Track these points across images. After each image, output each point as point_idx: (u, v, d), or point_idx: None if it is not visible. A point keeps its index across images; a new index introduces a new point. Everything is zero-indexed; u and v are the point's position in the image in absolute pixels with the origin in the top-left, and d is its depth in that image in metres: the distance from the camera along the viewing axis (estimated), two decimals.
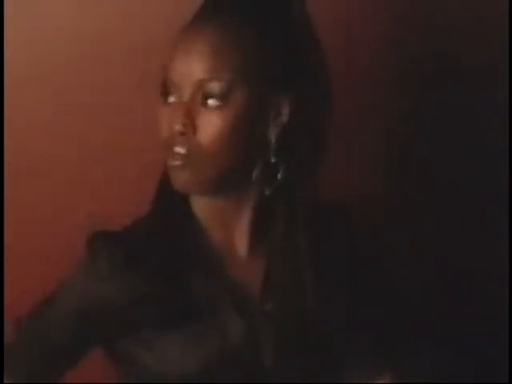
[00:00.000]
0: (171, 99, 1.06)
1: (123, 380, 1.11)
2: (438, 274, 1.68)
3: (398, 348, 1.21)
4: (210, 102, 1.03)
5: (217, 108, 1.03)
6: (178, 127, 1.04)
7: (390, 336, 1.21)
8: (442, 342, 1.61)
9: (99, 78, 1.50)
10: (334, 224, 1.19)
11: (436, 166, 1.65)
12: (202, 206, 1.12)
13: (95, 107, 1.51)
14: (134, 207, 1.15)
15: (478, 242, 1.69)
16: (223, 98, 1.03)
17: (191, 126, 1.04)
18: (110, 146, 1.53)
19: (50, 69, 1.53)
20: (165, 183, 1.11)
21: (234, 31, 1.05)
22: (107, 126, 1.50)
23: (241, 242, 1.12)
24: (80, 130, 1.54)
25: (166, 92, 1.07)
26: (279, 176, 1.08)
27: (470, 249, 1.68)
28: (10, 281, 1.48)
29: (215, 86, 1.03)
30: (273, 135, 1.07)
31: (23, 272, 1.54)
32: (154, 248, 1.08)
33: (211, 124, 1.03)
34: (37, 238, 1.57)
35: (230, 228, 1.12)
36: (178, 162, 1.05)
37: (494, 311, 1.65)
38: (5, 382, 1.07)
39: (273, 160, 1.07)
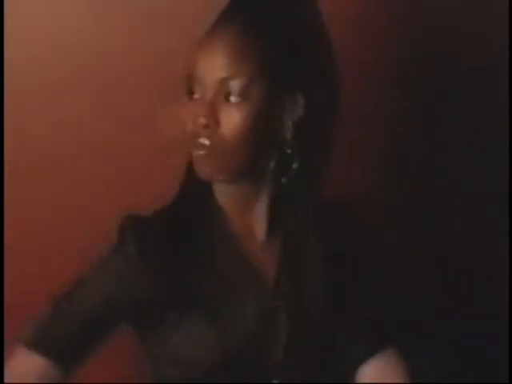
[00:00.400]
0: (196, 96, 1.15)
1: (155, 364, 1.19)
2: (438, 273, 1.69)
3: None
4: (232, 98, 1.12)
5: (237, 104, 1.12)
6: (202, 120, 1.12)
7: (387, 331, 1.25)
8: (442, 341, 1.62)
9: (126, 79, 1.54)
10: (336, 220, 1.25)
11: (435, 166, 1.67)
12: (223, 194, 1.20)
13: (120, 108, 1.55)
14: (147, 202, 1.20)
15: (478, 242, 1.70)
16: (243, 94, 1.12)
17: (214, 119, 1.12)
18: (122, 145, 1.57)
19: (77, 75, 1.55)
20: (190, 173, 1.19)
21: (252, 34, 1.13)
22: (123, 126, 1.53)
23: (259, 228, 1.20)
24: (95, 130, 1.56)
25: (190, 90, 1.15)
26: (294, 166, 1.16)
27: (469, 249, 1.70)
28: (10, 281, 1.49)
29: (236, 84, 1.11)
30: (288, 129, 1.15)
31: (24, 272, 1.56)
32: (179, 234, 1.16)
33: (232, 118, 1.12)
34: (42, 237, 1.59)
35: (250, 214, 1.20)
36: (202, 152, 1.13)
37: (494, 311, 1.66)
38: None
39: (288, 151, 1.15)
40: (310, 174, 1.17)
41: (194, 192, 1.20)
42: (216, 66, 1.12)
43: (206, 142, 1.12)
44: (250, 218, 1.20)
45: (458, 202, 1.67)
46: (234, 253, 1.18)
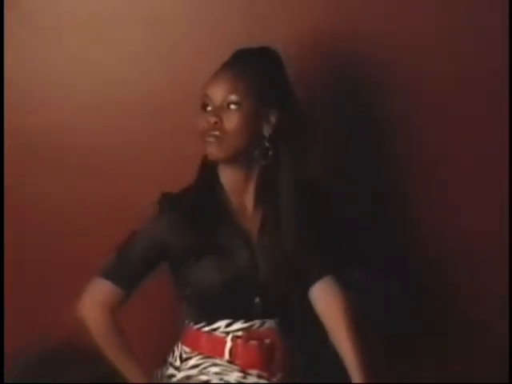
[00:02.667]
0: (208, 108, 1.77)
1: (179, 287, 1.81)
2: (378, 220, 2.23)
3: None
4: (231, 106, 1.75)
5: (234, 110, 1.74)
6: (213, 120, 1.74)
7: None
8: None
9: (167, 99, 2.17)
10: (305, 190, 1.86)
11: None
12: (225, 177, 1.82)
13: (165, 116, 2.18)
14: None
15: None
16: (238, 104, 1.74)
17: (220, 120, 1.74)
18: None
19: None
20: (204, 162, 1.82)
21: (242, 74, 1.76)
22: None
23: (249, 203, 1.82)
24: (144, 133, 2.19)
25: (204, 105, 1.78)
26: (270, 153, 1.78)
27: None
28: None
29: (233, 98, 1.74)
30: (266, 130, 1.78)
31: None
32: (197, 206, 1.78)
33: (232, 119, 1.75)
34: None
35: (243, 194, 1.82)
36: (212, 140, 1.75)
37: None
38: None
39: (266, 144, 1.78)
40: (281, 161, 1.80)
41: (206, 177, 1.83)
42: (221, 90, 1.75)
43: (216, 133, 1.74)
44: (243, 196, 1.82)
45: None
46: (232, 220, 1.81)
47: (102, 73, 2.17)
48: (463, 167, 2.22)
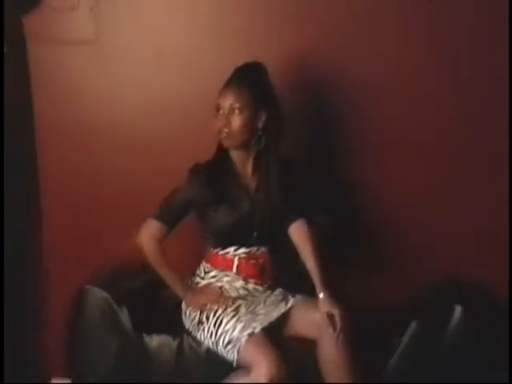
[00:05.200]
0: (220, 112, 2.60)
1: (204, 228, 2.70)
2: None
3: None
4: (236, 111, 2.57)
5: (238, 114, 2.58)
6: (223, 121, 2.58)
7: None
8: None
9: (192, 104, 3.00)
10: (285, 162, 2.70)
11: None
12: (234, 156, 2.67)
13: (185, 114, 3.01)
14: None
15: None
16: (240, 110, 2.57)
17: (229, 121, 2.58)
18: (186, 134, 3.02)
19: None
20: (219, 146, 2.66)
21: (243, 86, 2.58)
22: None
23: (249, 171, 2.67)
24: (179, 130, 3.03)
25: (218, 109, 2.60)
26: (262, 142, 2.62)
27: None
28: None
29: (237, 105, 2.57)
30: (260, 126, 2.62)
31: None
32: (216, 173, 2.63)
33: (236, 120, 2.58)
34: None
35: (245, 165, 2.67)
36: (224, 135, 2.60)
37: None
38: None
39: (260, 133, 2.62)
40: (269, 145, 2.63)
41: (221, 155, 2.67)
42: (229, 99, 2.57)
43: (226, 130, 2.58)
44: (245, 168, 2.67)
45: None
46: (238, 182, 2.67)
47: (149, 88, 3.01)
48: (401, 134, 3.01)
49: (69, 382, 2.94)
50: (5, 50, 2.75)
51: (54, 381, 3.21)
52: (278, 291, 2.71)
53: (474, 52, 2.97)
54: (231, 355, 2.52)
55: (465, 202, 3.05)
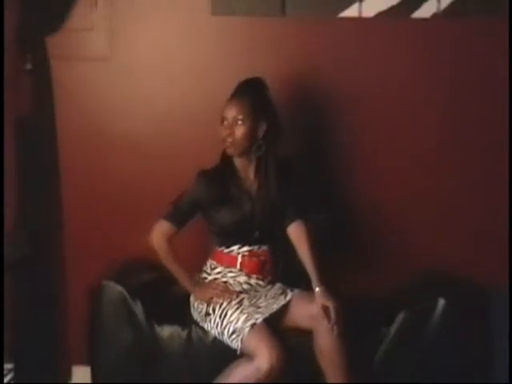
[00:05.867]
0: (225, 123, 2.84)
1: (209, 226, 2.93)
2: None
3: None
4: (238, 122, 2.82)
5: (241, 125, 2.83)
6: (227, 132, 2.83)
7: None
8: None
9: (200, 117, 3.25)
10: (285, 165, 2.94)
11: None
12: (237, 162, 2.91)
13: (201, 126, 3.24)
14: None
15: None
16: (243, 121, 2.82)
17: (232, 131, 2.83)
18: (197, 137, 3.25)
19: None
20: (224, 153, 2.89)
21: (245, 100, 2.82)
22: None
23: (250, 175, 2.91)
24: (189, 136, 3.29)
25: (222, 120, 2.85)
26: (262, 148, 2.86)
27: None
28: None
29: (240, 117, 2.82)
30: (260, 134, 2.85)
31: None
32: (220, 178, 2.86)
33: (239, 131, 2.83)
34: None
35: (247, 170, 2.91)
36: (228, 144, 2.85)
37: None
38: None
39: (260, 142, 2.85)
40: (269, 152, 2.85)
41: (225, 161, 2.90)
42: (233, 112, 2.81)
43: (230, 139, 2.82)
44: (247, 172, 2.90)
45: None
46: (240, 184, 2.90)
47: (159, 101, 3.28)
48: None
49: (88, 369, 3.15)
50: (27, 67, 3.02)
51: (74, 368, 3.44)
52: (278, 286, 2.94)
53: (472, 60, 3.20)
54: (235, 344, 2.74)
55: (451, 200, 3.27)
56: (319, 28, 3.19)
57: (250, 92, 2.86)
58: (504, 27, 3.08)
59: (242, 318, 2.76)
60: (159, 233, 2.89)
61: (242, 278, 2.92)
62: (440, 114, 3.24)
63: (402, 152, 3.27)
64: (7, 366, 3.24)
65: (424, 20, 3.14)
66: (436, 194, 3.28)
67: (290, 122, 3.03)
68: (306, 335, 2.79)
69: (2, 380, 2.51)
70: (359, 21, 3.17)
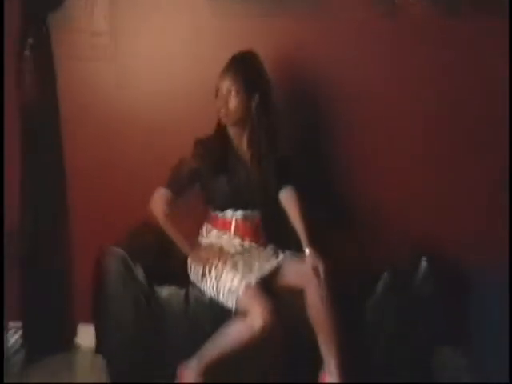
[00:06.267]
0: (219, 94, 2.97)
1: (207, 197, 3.08)
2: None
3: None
4: (232, 93, 2.95)
5: (234, 95, 2.97)
6: (222, 103, 2.97)
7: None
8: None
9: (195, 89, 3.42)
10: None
11: None
12: (231, 132, 3.06)
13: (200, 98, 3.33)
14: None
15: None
16: (236, 92, 2.95)
17: (226, 102, 2.96)
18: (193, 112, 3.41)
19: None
20: (219, 123, 3.05)
21: (239, 72, 2.96)
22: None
23: (244, 145, 3.06)
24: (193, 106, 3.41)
25: (217, 92, 2.99)
26: (255, 118, 2.99)
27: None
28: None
29: (233, 87, 2.95)
30: (253, 106, 2.98)
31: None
32: (215, 146, 3.03)
33: (233, 102, 2.98)
34: None
35: (240, 140, 3.06)
36: (222, 114, 2.99)
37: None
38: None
39: (254, 112, 2.99)
40: (261, 122, 2.99)
41: (220, 130, 3.04)
42: (226, 83, 2.94)
43: (223, 110, 2.97)
44: (241, 142, 3.05)
45: None
46: (235, 154, 3.04)
47: (160, 80, 3.46)
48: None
49: (92, 327, 3.33)
50: (27, 53, 3.23)
51: (79, 326, 3.63)
52: (270, 248, 3.10)
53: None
54: (230, 303, 2.90)
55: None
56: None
57: (243, 65, 2.99)
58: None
59: (237, 278, 2.91)
60: (158, 200, 3.03)
61: (236, 241, 3.08)
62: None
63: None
64: (17, 323, 3.46)
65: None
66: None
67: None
68: (298, 294, 2.94)
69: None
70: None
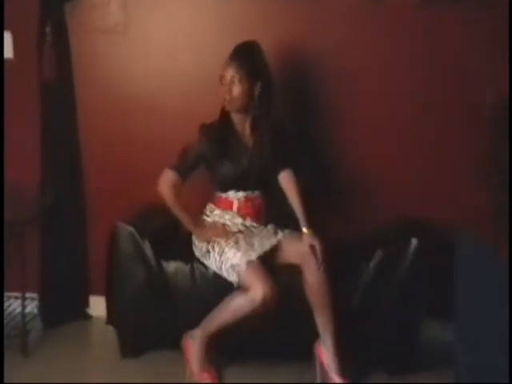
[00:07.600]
0: (223, 82, 3.12)
1: (212, 177, 3.23)
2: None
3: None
4: (235, 81, 3.10)
5: (238, 83, 3.10)
6: (225, 90, 3.12)
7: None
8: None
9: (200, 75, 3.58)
10: (277, 127, 3.24)
11: None
12: (235, 119, 3.20)
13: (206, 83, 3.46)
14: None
15: None
16: (239, 80, 3.10)
17: (230, 90, 3.11)
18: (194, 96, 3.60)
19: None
20: (223, 110, 3.19)
21: (242, 61, 3.09)
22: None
23: (247, 131, 3.21)
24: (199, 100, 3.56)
25: (221, 80, 3.13)
26: (257, 107, 3.14)
27: None
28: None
29: (237, 76, 3.09)
30: (255, 94, 3.13)
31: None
32: (220, 131, 3.18)
33: (236, 90, 3.12)
34: None
35: (243, 127, 3.21)
36: (226, 101, 3.13)
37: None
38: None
39: (256, 101, 3.14)
40: (263, 110, 3.14)
41: (224, 116, 3.18)
42: (230, 72, 3.08)
43: (228, 97, 3.11)
44: (244, 128, 3.20)
45: None
46: (238, 139, 3.19)
47: (167, 65, 3.61)
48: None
49: (103, 299, 3.51)
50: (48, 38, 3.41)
51: (91, 298, 3.81)
52: (270, 226, 3.26)
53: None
54: (233, 278, 3.06)
55: (428, 157, 3.57)
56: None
57: (247, 54, 3.12)
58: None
59: (239, 255, 3.07)
60: (165, 181, 3.18)
61: (238, 220, 3.23)
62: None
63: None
64: (33, 295, 3.65)
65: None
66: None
67: (282, 88, 3.34)
68: (296, 270, 3.10)
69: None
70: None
